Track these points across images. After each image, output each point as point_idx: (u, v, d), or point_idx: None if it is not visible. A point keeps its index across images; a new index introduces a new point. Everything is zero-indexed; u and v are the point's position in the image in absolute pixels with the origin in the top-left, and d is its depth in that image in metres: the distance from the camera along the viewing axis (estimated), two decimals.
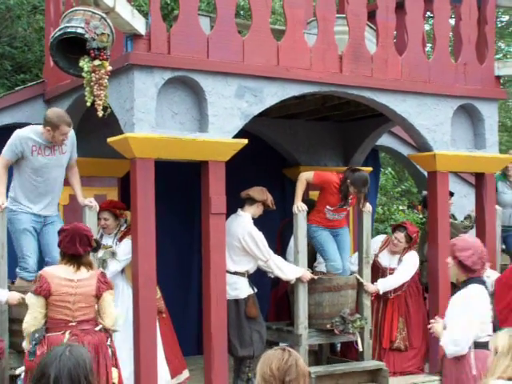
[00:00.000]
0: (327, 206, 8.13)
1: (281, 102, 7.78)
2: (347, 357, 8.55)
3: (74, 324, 5.83)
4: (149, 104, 6.87)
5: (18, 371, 6.13)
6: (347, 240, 8.46)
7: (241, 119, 7.34)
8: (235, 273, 7.69)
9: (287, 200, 9.36)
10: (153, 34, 6.87)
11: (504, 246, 9.99)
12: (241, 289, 7.72)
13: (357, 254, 8.56)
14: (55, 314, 5.80)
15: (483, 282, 5.57)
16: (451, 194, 9.49)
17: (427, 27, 14.35)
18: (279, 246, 8.95)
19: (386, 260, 8.74)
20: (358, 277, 8.19)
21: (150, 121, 6.87)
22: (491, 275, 8.54)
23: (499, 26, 20.42)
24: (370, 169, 10.63)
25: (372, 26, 8.28)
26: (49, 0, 8.70)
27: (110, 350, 5.95)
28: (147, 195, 6.85)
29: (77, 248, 5.88)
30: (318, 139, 10.27)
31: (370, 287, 8.24)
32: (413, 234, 8.70)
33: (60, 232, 6.05)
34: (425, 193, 10.07)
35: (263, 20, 7.45)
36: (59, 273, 5.85)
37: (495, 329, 5.49)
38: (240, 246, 7.69)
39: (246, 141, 7.32)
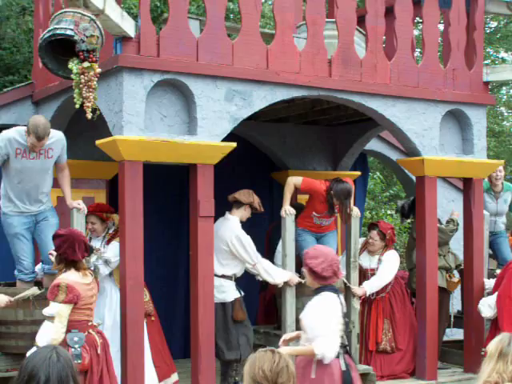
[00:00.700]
0: (313, 212, 8.17)
1: (270, 106, 7.78)
2: None
3: (91, 324, 6.21)
4: (138, 106, 6.86)
5: None
6: (331, 242, 8.46)
7: (230, 122, 7.34)
8: (222, 276, 7.70)
9: (275, 203, 9.36)
10: (142, 36, 6.86)
11: (491, 251, 10.02)
12: (228, 292, 7.73)
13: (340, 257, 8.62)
14: (80, 316, 6.08)
15: (335, 290, 5.78)
16: None
17: (416, 32, 14.39)
18: (267, 249, 8.96)
19: (366, 261, 8.75)
20: (346, 281, 8.20)
21: (139, 123, 6.86)
22: (488, 284, 8.60)
23: (488, 31, 20.51)
24: (359, 173, 10.65)
25: (361, 30, 8.30)
26: (38, 1, 8.68)
27: None
28: (135, 198, 6.84)
29: (77, 254, 6.10)
30: (306, 143, 10.28)
31: (358, 290, 8.25)
32: (386, 231, 8.74)
33: (56, 237, 6.19)
34: (401, 202, 10.06)
35: (253, 23, 7.45)
36: (75, 278, 6.09)
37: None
38: (228, 249, 7.69)
39: (234, 144, 7.32)
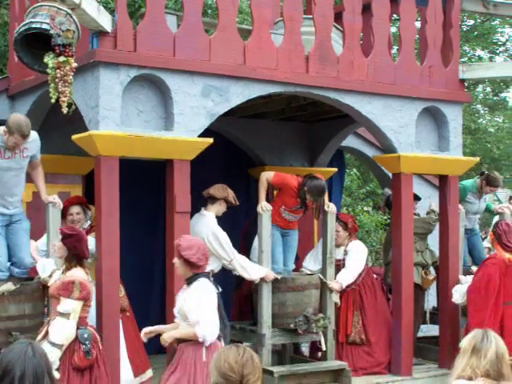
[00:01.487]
0: (283, 206, 8.17)
1: (247, 102, 7.78)
2: (310, 356, 8.59)
3: (87, 320, 6.41)
4: (114, 101, 6.83)
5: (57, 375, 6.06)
6: (295, 241, 8.50)
7: (206, 118, 7.34)
8: None
9: (252, 200, 9.37)
10: (119, 31, 6.84)
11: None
12: None
13: (311, 253, 8.71)
14: (84, 313, 6.31)
15: (208, 276, 6.05)
16: (418, 199, 9.59)
17: (393, 29, 14.43)
18: (243, 245, 8.94)
19: None
20: (321, 276, 8.22)
21: (115, 118, 6.84)
22: (465, 280, 8.66)
23: (465, 29, 20.61)
24: (335, 169, 10.67)
25: (339, 27, 8.32)
26: None
27: None
28: (111, 193, 6.82)
29: (87, 252, 6.46)
30: (283, 139, 10.28)
31: (335, 285, 8.27)
32: (347, 220, 8.84)
33: (67, 236, 6.35)
34: (386, 191, 10.14)
35: (230, 19, 7.45)
36: (83, 276, 6.32)
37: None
38: None
39: (211, 140, 7.31)
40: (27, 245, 7.01)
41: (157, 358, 8.51)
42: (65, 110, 6.26)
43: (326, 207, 8.29)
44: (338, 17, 8.18)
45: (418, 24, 8.99)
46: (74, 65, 6.23)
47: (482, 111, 23.35)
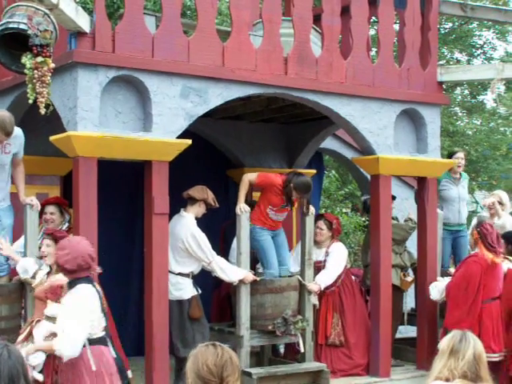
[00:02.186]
0: (269, 206, 8.15)
1: (226, 103, 7.77)
2: (289, 358, 8.58)
3: None
4: (92, 102, 6.81)
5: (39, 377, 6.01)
6: (285, 241, 8.47)
7: (185, 119, 7.33)
8: (179, 274, 7.69)
9: (231, 201, 9.35)
10: (97, 31, 6.82)
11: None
12: (184, 289, 7.72)
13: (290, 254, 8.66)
14: None
15: (90, 280, 5.62)
16: (393, 198, 9.59)
17: (372, 32, 14.48)
18: (222, 247, 8.94)
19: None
20: (300, 278, 8.22)
21: (94, 119, 6.81)
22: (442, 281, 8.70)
23: (443, 32, 20.70)
24: (314, 171, 10.69)
25: (317, 29, 8.33)
26: None
27: None
28: (89, 194, 6.79)
29: None
30: (262, 141, 10.29)
31: (313, 287, 8.27)
32: (332, 220, 8.85)
33: (62, 238, 6.13)
34: (365, 197, 10.16)
35: (209, 20, 7.44)
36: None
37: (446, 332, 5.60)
38: (183, 247, 7.68)
39: (189, 141, 7.30)
40: None
41: (136, 360, 8.49)
42: (42, 111, 6.22)
43: (304, 209, 8.29)
44: (317, 19, 8.19)
45: (396, 26, 9.00)
46: (52, 65, 6.20)
47: (460, 113, 23.44)
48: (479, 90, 22.43)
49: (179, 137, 7.28)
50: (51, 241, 6.46)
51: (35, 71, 6.12)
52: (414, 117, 8.85)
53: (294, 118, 10.14)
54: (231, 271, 7.82)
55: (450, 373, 3.99)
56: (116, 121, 7.03)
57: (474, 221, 9.53)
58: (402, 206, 11.11)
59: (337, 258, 8.71)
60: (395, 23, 8.86)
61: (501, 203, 10.03)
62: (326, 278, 8.51)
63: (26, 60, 6.14)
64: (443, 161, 9.26)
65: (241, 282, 7.82)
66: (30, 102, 6.29)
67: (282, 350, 8.93)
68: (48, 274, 6.50)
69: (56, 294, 6.02)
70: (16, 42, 6.25)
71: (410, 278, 9.28)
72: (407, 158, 8.72)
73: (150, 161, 7.11)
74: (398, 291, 9.04)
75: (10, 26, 6.10)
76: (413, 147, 8.90)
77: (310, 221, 8.33)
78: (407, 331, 10.50)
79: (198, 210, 7.86)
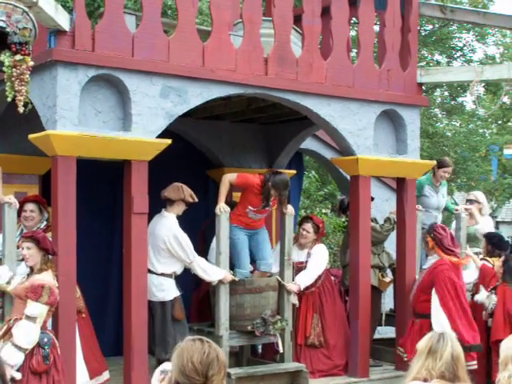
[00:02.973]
0: (249, 207, 8.14)
1: (205, 103, 7.77)
2: (267, 358, 8.58)
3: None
4: (72, 101, 6.78)
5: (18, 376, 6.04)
6: (267, 238, 8.46)
7: (165, 119, 7.31)
8: (162, 274, 7.67)
9: (210, 201, 9.34)
10: (77, 30, 6.79)
11: None
12: (167, 290, 7.70)
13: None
14: (47, 317, 6.29)
15: None
16: (372, 199, 9.61)
17: (352, 33, 14.51)
18: (202, 246, 8.93)
19: (294, 255, 8.68)
20: (279, 278, 8.22)
21: (73, 118, 6.78)
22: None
23: (423, 34, 20.78)
24: (294, 171, 10.69)
25: (298, 29, 8.33)
26: None
27: None
28: (68, 193, 6.77)
29: (56, 247, 6.53)
30: (242, 141, 10.28)
31: (293, 287, 8.27)
32: (319, 224, 8.87)
33: (39, 240, 6.36)
34: (341, 197, 10.17)
35: (189, 20, 7.43)
36: (53, 281, 6.31)
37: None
38: (165, 247, 7.66)
39: (169, 141, 7.29)
40: None
41: (114, 360, 8.46)
42: (21, 109, 6.18)
43: (283, 209, 8.30)
44: (298, 19, 8.19)
45: (376, 28, 9.03)
46: (31, 63, 6.15)
47: (439, 115, 23.54)
48: (459, 92, 22.55)
49: (159, 136, 7.26)
50: (31, 243, 6.42)
51: (14, 69, 6.07)
52: (393, 118, 8.88)
53: (274, 119, 10.14)
54: (212, 271, 7.82)
55: (427, 373, 4.00)
56: (95, 120, 7.01)
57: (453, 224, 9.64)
58: (382, 207, 11.12)
59: (318, 259, 8.72)
60: (375, 24, 8.89)
61: (477, 202, 10.11)
62: (305, 279, 8.51)
63: (5, 58, 6.09)
64: (422, 162, 9.29)
65: (220, 282, 7.82)
66: (9, 100, 6.23)
67: (259, 350, 8.92)
68: (28, 275, 6.47)
69: (37, 293, 6.06)
70: None
71: (388, 279, 9.30)
72: (387, 159, 8.75)
73: (129, 160, 7.09)
74: (376, 292, 9.06)
75: None
76: (392, 148, 8.93)
77: (289, 221, 8.33)
78: (385, 332, 10.53)
79: (178, 208, 7.84)
